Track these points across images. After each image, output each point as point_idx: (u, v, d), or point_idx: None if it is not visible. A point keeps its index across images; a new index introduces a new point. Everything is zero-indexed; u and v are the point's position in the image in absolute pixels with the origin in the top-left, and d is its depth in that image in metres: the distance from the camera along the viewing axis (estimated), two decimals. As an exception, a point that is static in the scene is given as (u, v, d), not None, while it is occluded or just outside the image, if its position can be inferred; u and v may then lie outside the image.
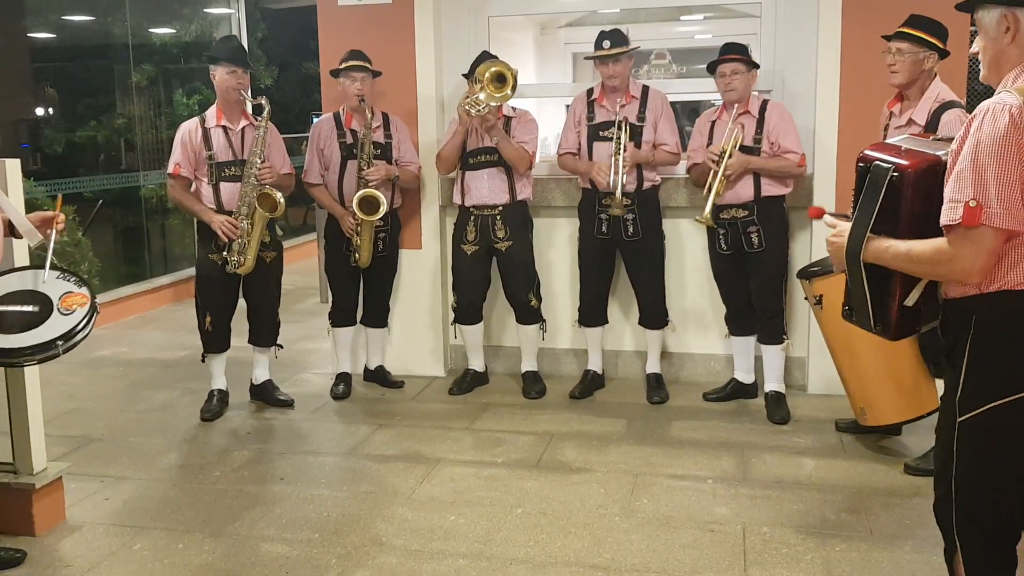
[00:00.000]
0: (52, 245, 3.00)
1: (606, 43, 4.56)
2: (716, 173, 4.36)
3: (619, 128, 4.56)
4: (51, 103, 8.41)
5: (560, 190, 5.08)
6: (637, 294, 4.88)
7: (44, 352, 2.86)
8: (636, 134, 4.63)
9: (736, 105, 4.45)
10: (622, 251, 4.81)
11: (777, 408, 4.52)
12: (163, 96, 8.73)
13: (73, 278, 3.04)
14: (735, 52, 4.40)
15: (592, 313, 4.92)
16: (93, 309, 2.95)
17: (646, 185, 4.69)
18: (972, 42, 2.19)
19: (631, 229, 4.67)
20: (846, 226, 2.25)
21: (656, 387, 4.88)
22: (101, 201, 7.82)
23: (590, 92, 4.79)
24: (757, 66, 4.47)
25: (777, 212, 4.48)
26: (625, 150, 4.52)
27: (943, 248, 2.01)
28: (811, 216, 2.38)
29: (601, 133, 4.66)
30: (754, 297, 4.56)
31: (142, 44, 8.46)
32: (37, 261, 3.23)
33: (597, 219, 4.71)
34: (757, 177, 4.40)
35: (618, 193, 4.49)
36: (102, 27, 8.41)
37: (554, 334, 5.17)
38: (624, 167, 4.52)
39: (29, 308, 2.92)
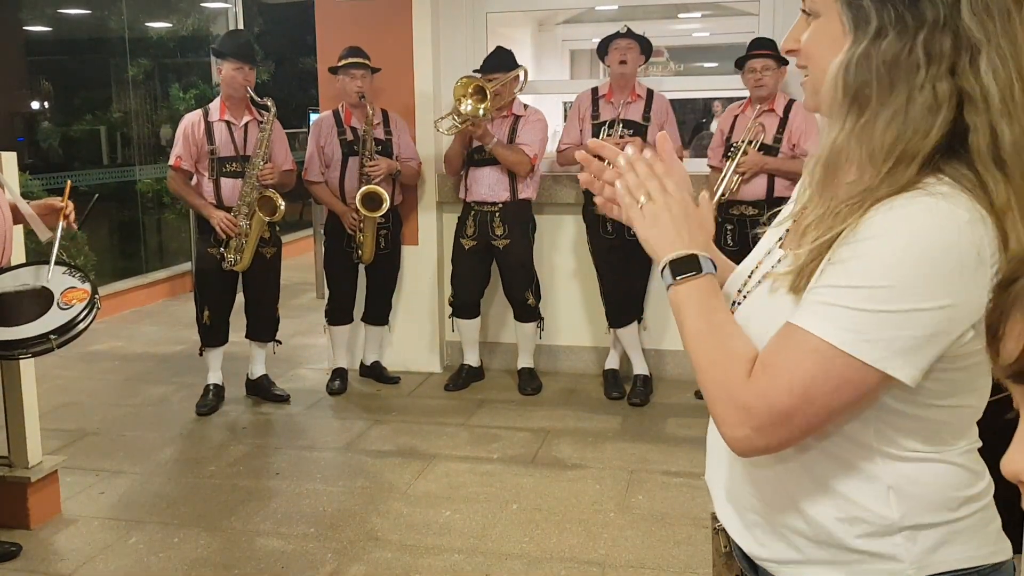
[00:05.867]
0: (58, 240, 2.99)
1: (623, 29, 4.63)
2: (729, 168, 4.34)
3: (610, 127, 4.60)
4: (47, 97, 8.39)
5: (566, 186, 5.06)
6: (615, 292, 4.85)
7: (38, 345, 2.85)
8: (641, 135, 4.63)
9: (760, 102, 4.40)
10: (626, 249, 4.80)
11: None
12: (159, 90, 8.72)
13: (79, 274, 3.04)
14: (766, 48, 4.33)
15: (624, 312, 4.82)
16: (92, 304, 2.95)
17: None
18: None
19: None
20: None
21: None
22: (97, 195, 7.80)
23: (596, 90, 4.80)
24: (787, 62, 4.41)
25: None
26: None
27: None
28: None
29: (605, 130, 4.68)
30: None
31: (138, 38, 8.45)
32: (34, 256, 3.22)
33: (601, 219, 4.67)
34: (772, 176, 4.38)
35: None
36: (98, 21, 8.40)
37: (552, 331, 5.17)
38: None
39: (30, 287, 2.92)
